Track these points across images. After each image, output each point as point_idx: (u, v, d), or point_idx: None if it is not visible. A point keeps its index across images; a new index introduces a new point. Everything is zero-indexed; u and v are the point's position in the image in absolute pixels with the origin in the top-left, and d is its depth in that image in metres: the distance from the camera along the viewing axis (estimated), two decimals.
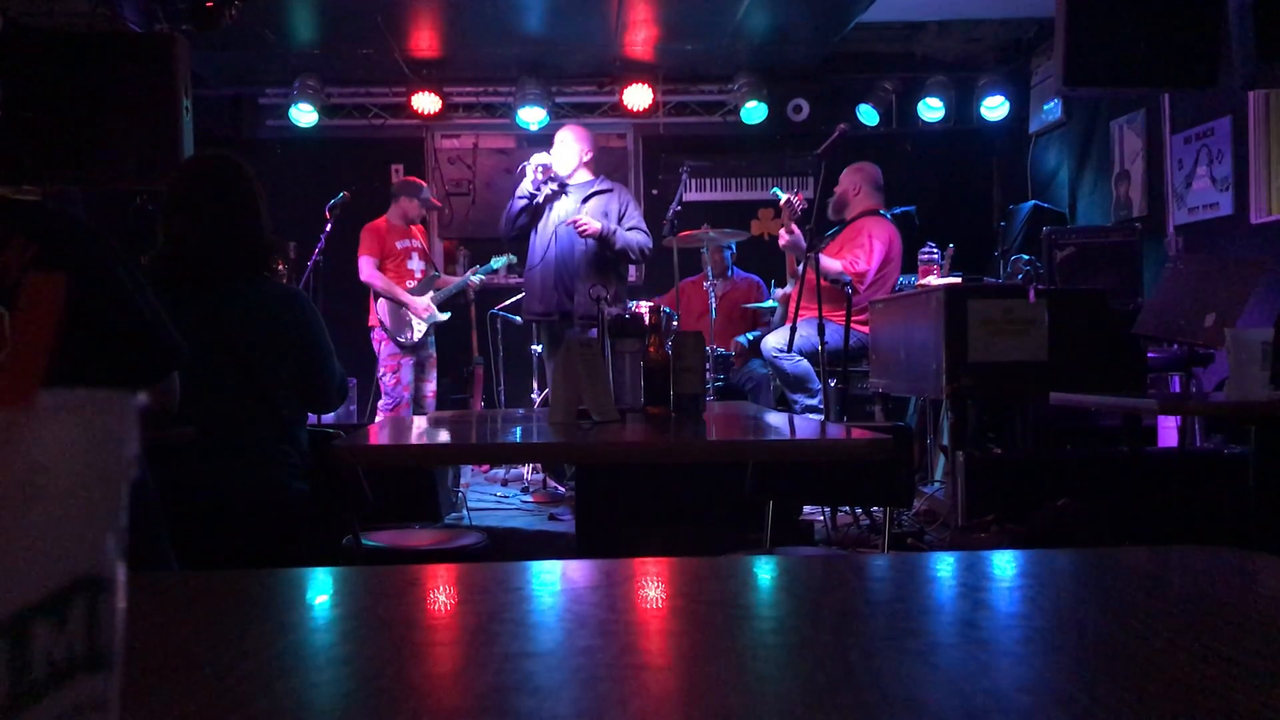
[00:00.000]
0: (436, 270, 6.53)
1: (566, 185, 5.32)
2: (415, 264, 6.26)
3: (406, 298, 6.11)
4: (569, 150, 5.32)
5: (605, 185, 5.39)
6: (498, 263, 6.36)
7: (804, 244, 5.19)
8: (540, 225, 5.34)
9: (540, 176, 5.24)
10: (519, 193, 5.32)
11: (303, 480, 2.37)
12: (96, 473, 0.25)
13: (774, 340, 5.31)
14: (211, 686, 0.51)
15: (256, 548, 2.24)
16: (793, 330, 5.15)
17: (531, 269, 5.39)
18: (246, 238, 2.40)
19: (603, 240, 5.17)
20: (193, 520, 2.13)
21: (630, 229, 5.28)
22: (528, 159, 5.37)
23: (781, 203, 5.39)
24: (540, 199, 5.29)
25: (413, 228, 6.38)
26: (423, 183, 6.58)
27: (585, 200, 5.31)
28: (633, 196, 5.66)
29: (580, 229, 5.14)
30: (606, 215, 5.29)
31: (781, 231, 5.36)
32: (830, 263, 5.32)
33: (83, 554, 0.25)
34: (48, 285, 0.26)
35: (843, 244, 5.52)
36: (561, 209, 5.35)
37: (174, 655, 0.58)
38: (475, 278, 6.37)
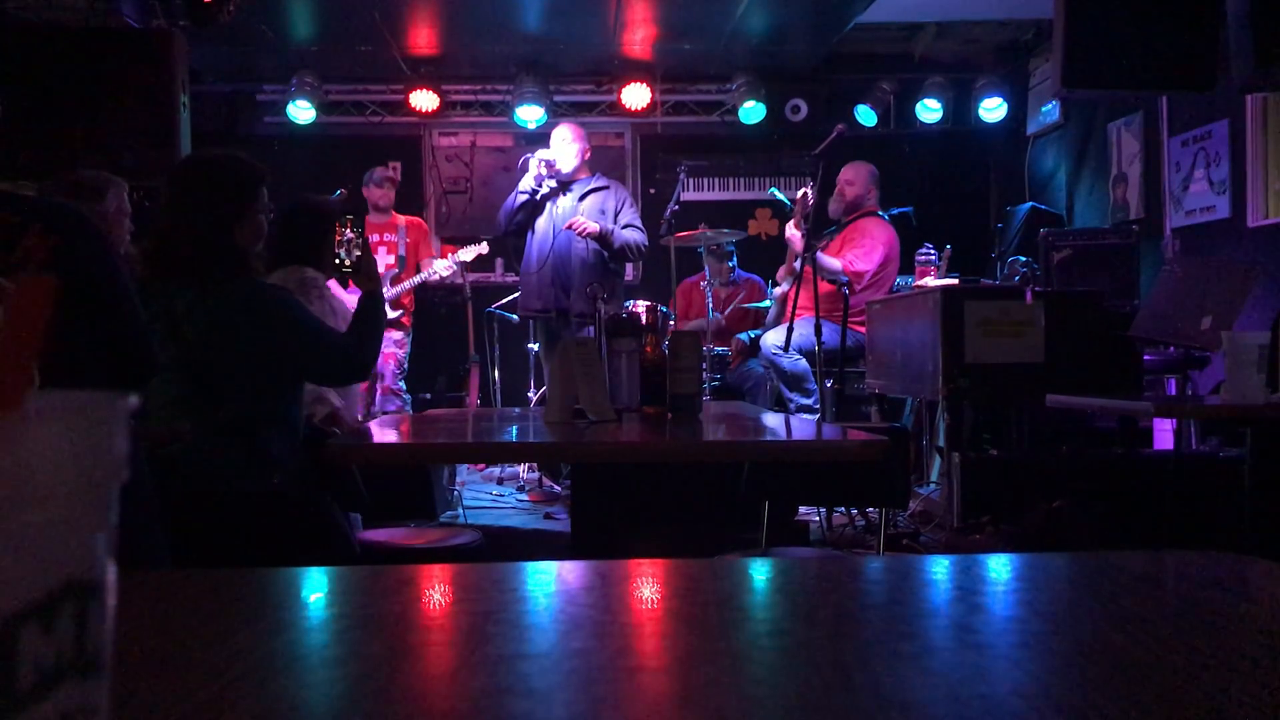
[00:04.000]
0: (428, 266, 6.44)
1: (568, 184, 5.33)
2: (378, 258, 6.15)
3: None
4: (570, 148, 5.32)
5: (601, 182, 5.39)
6: (467, 254, 6.21)
7: (800, 246, 5.20)
8: (538, 222, 5.34)
9: (544, 172, 5.24)
10: (520, 188, 5.31)
11: (257, 481, 2.35)
12: (86, 476, 0.25)
13: (773, 338, 5.31)
14: (204, 687, 0.51)
15: (201, 548, 2.22)
16: (789, 329, 5.15)
17: (528, 266, 5.39)
18: (208, 238, 2.39)
19: (602, 240, 5.17)
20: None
21: (625, 226, 5.29)
22: (530, 153, 5.37)
23: (796, 197, 5.40)
24: (541, 195, 5.29)
25: (395, 220, 6.34)
26: (377, 169, 6.53)
27: (582, 198, 5.31)
28: (629, 194, 5.67)
29: (579, 230, 5.14)
30: (603, 213, 5.29)
31: (790, 225, 5.37)
32: (830, 261, 5.33)
33: (72, 558, 0.25)
34: (39, 287, 0.26)
35: (843, 243, 5.52)
36: (559, 206, 5.35)
37: (167, 655, 0.58)
38: (442, 271, 6.16)
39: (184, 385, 2.34)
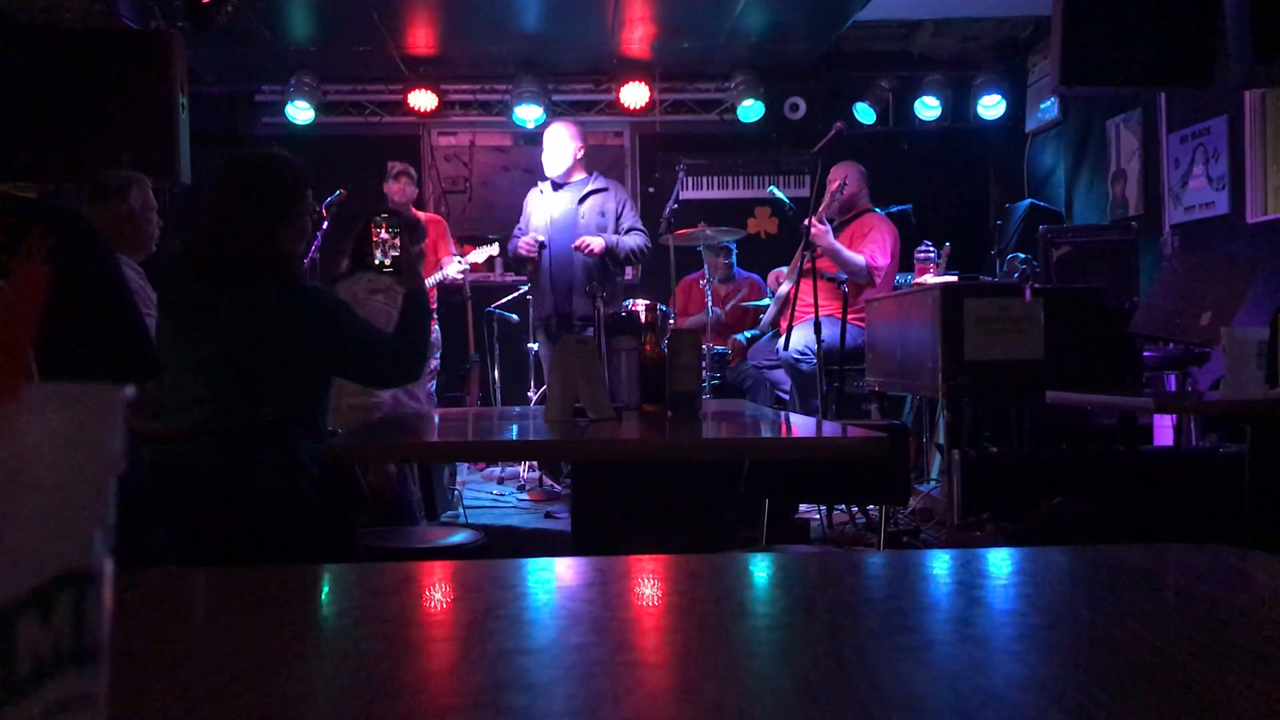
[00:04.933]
0: (448, 264, 6.45)
1: (560, 184, 5.38)
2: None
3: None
4: (562, 148, 5.33)
5: (601, 184, 5.40)
6: (479, 255, 6.24)
7: (828, 239, 5.23)
8: (536, 227, 5.42)
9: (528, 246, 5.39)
10: (515, 246, 5.45)
11: (286, 484, 2.34)
12: (83, 467, 0.25)
13: (797, 340, 5.28)
14: (205, 682, 0.51)
15: (225, 547, 2.22)
16: (789, 332, 5.15)
17: (535, 274, 5.49)
18: (253, 240, 2.37)
19: (608, 253, 5.24)
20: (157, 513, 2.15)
21: (628, 230, 5.32)
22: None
23: (834, 188, 5.42)
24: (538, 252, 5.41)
25: (414, 216, 6.36)
26: (397, 164, 6.51)
27: (581, 200, 5.32)
28: (629, 195, 5.68)
29: (586, 251, 5.19)
30: (603, 215, 5.31)
31: (813, 218, 5.38)
32: (852, 256, 5.32)
33: (69, 548, 0.25)
34: (33, 277, 0.26)
35: (850, 239, 5.52)
36: (557, 208, 5.37)
37: (168, 651, 0.58)
38: (451, 271, 6.19)
39: (223, 384, 2.32)
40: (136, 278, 3.37)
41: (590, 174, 5.44)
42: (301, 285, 2.46)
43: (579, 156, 5.38)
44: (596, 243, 5.17)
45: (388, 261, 2.65)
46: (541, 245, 5.36)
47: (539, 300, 5.50)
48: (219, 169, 2.52)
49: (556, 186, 5.39)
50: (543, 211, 5.42)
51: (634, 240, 5.30)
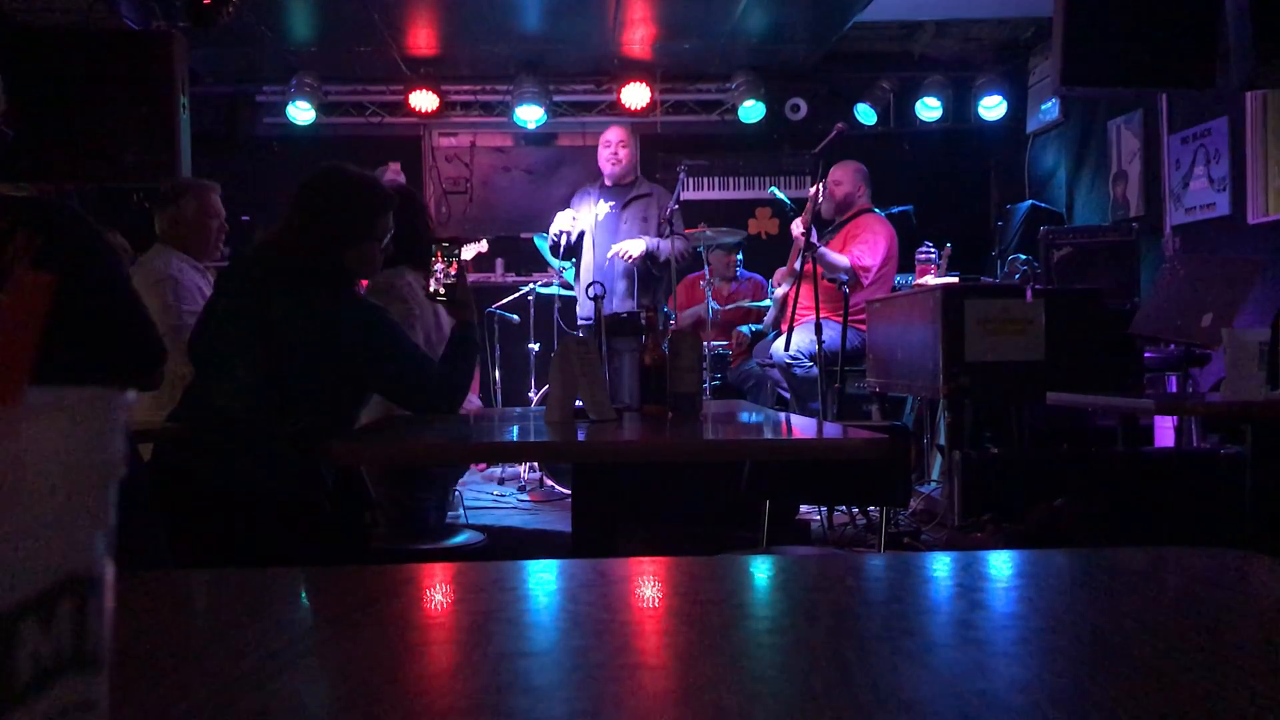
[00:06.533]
0: None
1: (609, 186, 5.57)
2: None
3: None
4: (614, 151, 5.50)
5: (645, 189, 5.52)
6: (466, 253, 6.35)
7: (802, 242, 5.23)
8: (583, 234, 5.56)
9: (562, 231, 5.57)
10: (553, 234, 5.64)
11: (298, 488, 2.33)
12: (85, 472, 0.25)
13: (795, 343, 5.29)
14: (205, 685, 0.51)
15: (222, 546, 2.22)
16: (789, 334, 5.15)
17: (577, 279, 5.64)
18: (319, 254, 2.37)
19: (649, 258, 5.36)
20: (172, 507, 2.16)
21: (669, 235, 5.45)
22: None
23: (810, 194, 5.43)
24: (574, 237, 5.54)
25: None
26: (388, 172, 6.61)
27: (625, 205, 5.43)
28: (671, 199, 5.76)
29: (624, 258, 5.31)
30: (645, 220, 5.42)
31: (797, 221, 5.39)
32: (837, 258, 5.32)
33: (70, 553, 0.25)
34: (35, 285, 0.26)
35: (845, 240, 5.52)
36: (602, 210, 5.48)
37: (168, 653, 0.58)
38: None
39: (259, 385, 2.31)
40: (196, 275, 3.40)
41: (638, 178, 5.56)
42: (356, 299, 2.45)
43: (630, 160, 5.53)
44: (635, 248, 5.30)
45: (442, 290, 2.63)
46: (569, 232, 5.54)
47: (580, 301, 5.63)
48: (309, 176, 2.52)
49: (605, 189, 5.50)
50: (588, 212, 5.56)
51: (675, 245, 5.43)
